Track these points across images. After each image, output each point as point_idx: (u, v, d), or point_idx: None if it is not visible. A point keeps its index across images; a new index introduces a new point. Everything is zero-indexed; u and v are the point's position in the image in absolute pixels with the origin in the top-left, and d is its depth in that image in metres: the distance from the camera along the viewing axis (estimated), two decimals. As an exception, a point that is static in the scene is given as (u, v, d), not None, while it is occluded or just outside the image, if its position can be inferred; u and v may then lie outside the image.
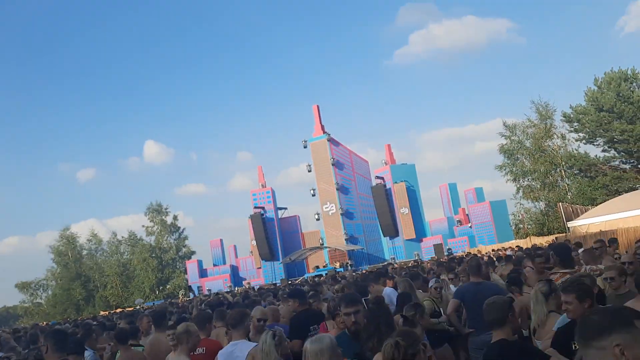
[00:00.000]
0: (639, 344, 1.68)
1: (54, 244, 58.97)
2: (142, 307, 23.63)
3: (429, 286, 7.85)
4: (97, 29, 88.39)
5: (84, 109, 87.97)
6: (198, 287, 41.87)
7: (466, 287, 7.00)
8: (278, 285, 26.42)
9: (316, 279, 19.64)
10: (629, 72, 38.22)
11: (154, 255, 55.84)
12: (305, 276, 34.09)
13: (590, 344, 1.75)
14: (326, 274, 28.43)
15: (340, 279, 14.20)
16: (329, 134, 40.43)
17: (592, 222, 22.70)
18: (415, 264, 19.13)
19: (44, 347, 4.47)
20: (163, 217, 57.00)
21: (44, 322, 32.35)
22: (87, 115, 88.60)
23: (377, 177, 41.02)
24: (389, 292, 8.30)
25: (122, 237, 60.30)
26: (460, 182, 62.30)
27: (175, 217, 58.14)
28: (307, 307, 6.07)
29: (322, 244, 39.74)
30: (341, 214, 39.16)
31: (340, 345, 3.74)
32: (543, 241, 22.28)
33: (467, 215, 41.21)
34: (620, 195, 31.31)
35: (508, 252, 16.32)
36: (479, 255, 18.67)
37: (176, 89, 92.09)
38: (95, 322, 11.23)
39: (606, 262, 6.97)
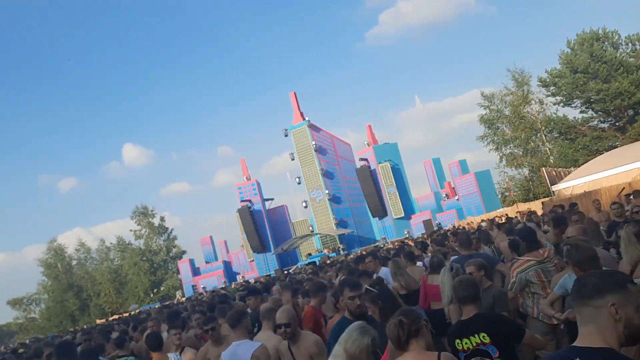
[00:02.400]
0: (630, 304, 1.88)
1: (42, 257, 58.42)
2: (139, 312, 23.46)
3: (426, 267, 7.77)
4: (64, 31, 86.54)
5: (58, 118, 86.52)
6: (193, 286, 41.70)
7: (457, 261, 7.03)
8: (272, 276, 26.43)
9: (309, 267, 19.65)
10: (600, 31, 38.49)
11: (144, 258, 55.48)
12: (299, 264, 34.15)
13: (587, 302, 1.93)
14: (319, 259, 28.50)
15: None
16: (309, 120, 40.21)
17: (575, 183, 22.92)
18: (401, 243, 19.16)
19: None
20: (150, 219, 56.60)
21: (41, 337, 31.99)
22: (62, 124, 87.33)
23: (361, 159, 41.03)
24: (385, 272, 8.36)
25: (111, 243, 59.91)
26: (443, 156, 62.57)
27: (162, 219, 57.83)
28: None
29: (313, 231, 39.75)
30: (328, 199, 39.14)
31: (340, 330, 3.69)
32: (530, 207, 22.48)
33: (454, 188, 41.49)
34: (601, 154, 31.69)
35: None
36: (470, 226, 18.78)
37: (149, 89, 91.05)
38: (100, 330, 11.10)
39: (572, 233, 6.96)
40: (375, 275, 8.15)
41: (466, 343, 3.67)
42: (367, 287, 4.60)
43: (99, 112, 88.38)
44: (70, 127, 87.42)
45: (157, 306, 29.26)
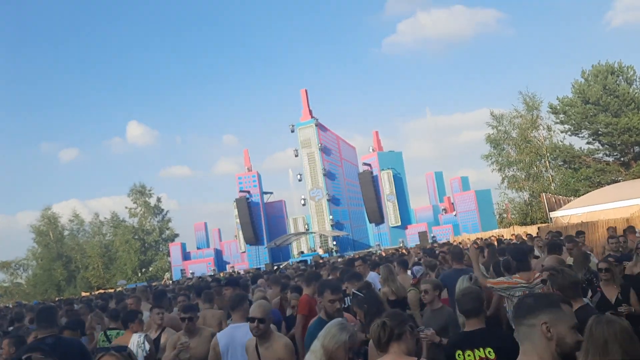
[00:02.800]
0: (563, 323, 2.00)
1: (35, 224, 58.43)
2: (125, 289, 23.52)
3: (414, 276, 7.75)
4: (78, 7, 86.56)
5: (66, 89, 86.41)
6: (181, 270, 41.73)
7: (449, 274, 7.05)
8: (262, 270, 26.43)
9: (301, 265, 19.64)
10: (616, 65, 38.51)
11: (136, 237, 55.53)
12: (290, 261, 34.15)
13: (522, 321, 2.06)
14: (311, 259, 28.50)
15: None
16: (317, 119, 40.25)
17: (574, 213, 22.98)
18: (396, 251, 19.20)
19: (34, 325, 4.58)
20: (147, 198, 56.68)
21: (25, 302, 32.04)
22: (70, 95, 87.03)
23: (364, 164, 41.06)
24: (374, 277, 8.43)
25: (105, 218, 59.93)
26: (446, 170, 62.54)
27: (159, 199, 57.92)
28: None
29: (308, 229, 39.77)
30: (327, 200, 39.17)
31: (315, 331, 3.73)
32: (527, 231, 22.48)
33: (452, 203, 41.51)
34: (602, 187, 31.69)
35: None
36: (463, 244, 18.80)
37: (160, 70, 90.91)
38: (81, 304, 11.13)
39: (548, 262, 7.06)
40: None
41: (469, 355, 3.59)
42: (355, 291, 4.60)
43: (107, 86, 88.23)
44: (77, 97, 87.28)
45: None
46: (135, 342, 5.10)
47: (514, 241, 15.37)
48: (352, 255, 26.09)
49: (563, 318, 2.00)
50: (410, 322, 3.25)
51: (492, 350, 3.49)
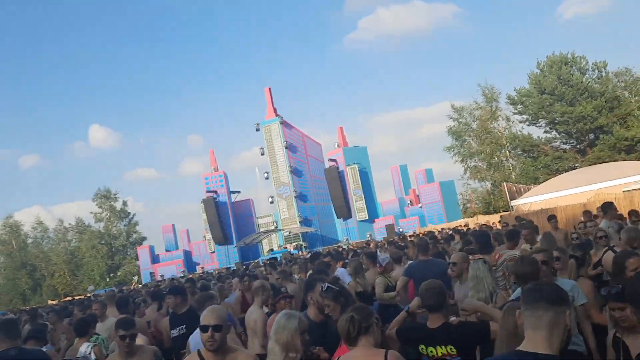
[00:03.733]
0: (570, 317, 2.01)
1: (-4, 233, 56.57)
2: (92, 295, 23.17)
3: (380, 265, 8.01)
4: (32, 9, 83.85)
5: (23, 94, 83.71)
6: (150, 273, 41.19)
7: (415, 265, 7.29)
8: (233, 269, 26.42)
9: (270, 261, 19.77)
10: (569, 56, 39.92)
11: (103, 242, 54.43)
12: (260, 259, 34.17)
13: (550, 307, 2.01)
14: (281, 256, 28.62)
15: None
16: (282, 117, 40.30)
17: (533, 200, 23.80)
18: (366, 245, 19.56)
19: None
20: (112, 202, 55.58)
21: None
22: (28, 100, 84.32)
23: (330, 160, 41.33)
24: (342, 272, 8.62)
25: (69, 224, 58.47)
26: (410, 163, 63.51)
27: (124, 203, 56.86)
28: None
29: (277, 227, 39.84)
30: (295, 197, 39.32)
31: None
32: (489, 220, 23.21)
33: (418, 195, 42.23)
34: (560, 174, 32.87)
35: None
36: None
37: (121, 72, 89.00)
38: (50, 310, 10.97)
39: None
40: (332, 275, 8.43)
41: (431, 351, 3.61)
42: (329, 285, 4.65)
43: (67, 89, 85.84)
44: (35, 102, 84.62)
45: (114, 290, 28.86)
46: (83, 351, 5.09)
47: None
48: (320, 250, 26.37)
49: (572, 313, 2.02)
50: (376, 314, 3.38)
51: (452, 347, 3.52)
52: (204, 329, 3.20)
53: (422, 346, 3.70)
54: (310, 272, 8.27)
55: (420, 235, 19.48)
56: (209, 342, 3.20)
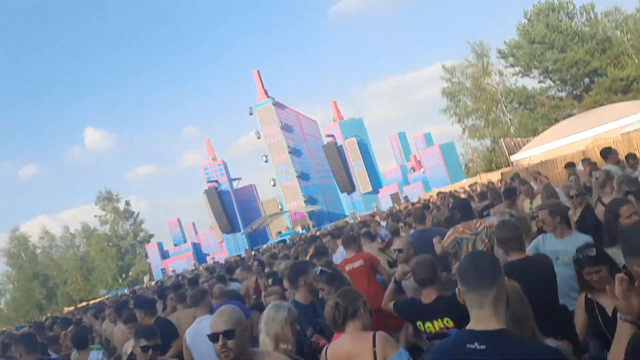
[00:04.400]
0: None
1: (5, 247, 56.95)
2: (106, 298, 23.32)
3: (382, 240, 7.91)
4: (17, 12, 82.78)
5: (12, 103, 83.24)
6: (162, 269, 41.41)
7: (413, 236, 7.21)
8: (242, 256, 26.46)
9: (277, 245, 19.80)
10: (556, 2, 39.20)
11: (111, 244, 54.72)
12: (269, 242, 34.26)
13: (490, 284, 2.01)
14: (289, 237, 28.65)
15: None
16: (274, 98, 39.91)
17: (533, 153, 23.50)
18: (371, 217, 19.44)
19: (17, 354, 4.54)
20: (115, 204, 55.67)
21: (5, 328, 31.46)
22: (19, 110, 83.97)
23: (328, 136, 41.08)
24: (342, 250, 8.54)
25: (76, 230, 58.74)
26: (409, 130, 63.24)
27: (127, 203, 56.95)
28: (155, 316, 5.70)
29: (282, 209, 39.83)
30: (297, 177, 39.19)
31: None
32: (490, 178, 23.00)
33: (419, 161, 42.02)
34: (559, 123, 32.57)
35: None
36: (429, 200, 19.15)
37: (109, 72, 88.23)
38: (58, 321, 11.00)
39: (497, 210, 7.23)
40: (332, 255, 8.34)
41: (429, 327, 3.62)
42: (322, 268, 4.58)
43: (57, 96, 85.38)
44: (26, 111, 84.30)
45: (125, 291, 29.05)
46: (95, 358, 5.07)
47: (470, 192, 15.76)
48: (328, 227, 26.35)
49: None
50: (363, 297, 3.31)
51: (449, 319, 3.52)
52: (214, 337, 2.61)
53: (419, 322, 3.68)
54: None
55: (422, 202, 19.41)
56: (222, 353, 2.60)
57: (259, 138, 40.62)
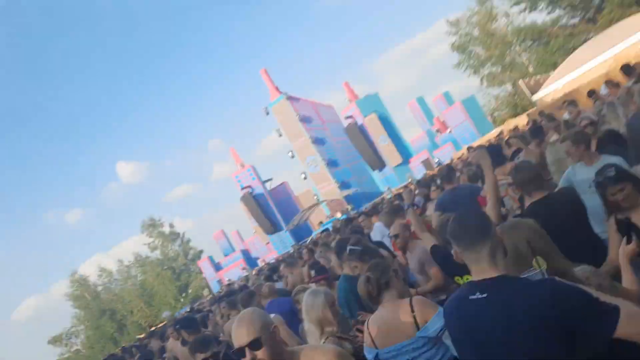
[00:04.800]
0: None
1: (69, 292, 59.22)
2: (169, 320, 24.00)
3: (417, 206, 7.89)
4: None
5: (43, 156, 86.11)
6: (218, 281, 42.31)
7: (443, 197, 7.20)
8: (291, 252, 26.78)
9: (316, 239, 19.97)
10: None
11: (165, 267, 56.22)
12: (313, 234, 34.52)
13: (478, 243, 2.07)
14: (331, 225, 28.79)
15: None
16: (287, 93, 39.96)
17: (554, 88, 22.81)
18: (405, 187, 19.38)
19: None
20: (160, 229, 57.04)
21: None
22: (49, 157, 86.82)
23: (347, 117, 40.91)
24: (378, 226, 8.62)
25: (129, 261, 60.53)
26: (426, 93, 62.32)
27: (171, 225, 58.25)
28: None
29: (318, 200, 40.01)
30: (325, 165, 39.25)
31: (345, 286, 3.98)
32: (517, 124, 22.45)
33: (443, 122, 41.41)
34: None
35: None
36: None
37: (122, 103, 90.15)
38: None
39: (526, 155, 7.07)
40: (370, 232, 8.43)
41: (467, 279, 3.51)
42: (351, 247, 4.68)
43: (84, 138, 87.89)
44: (61, 161, 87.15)
45: (187, 309, 29.85)
46: None
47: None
48: (367, 208, 26.33)
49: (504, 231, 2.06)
50: (394, 266, 3.41)
51: None
52: (239, 353, 2.26)
53: (457, 277, 3.68)
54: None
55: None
56: None
57: (280, 136, 40.74)
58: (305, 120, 39.76)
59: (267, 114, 40.44)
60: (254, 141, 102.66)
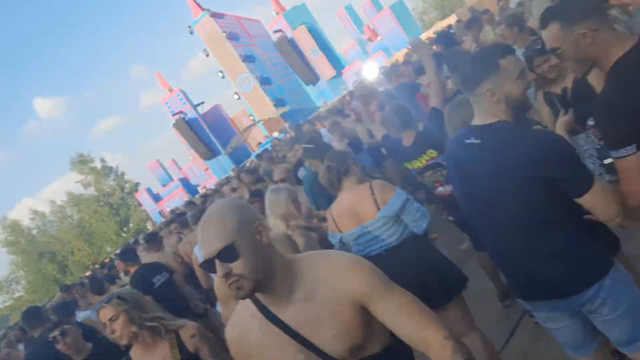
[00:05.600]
0: (505, 81, 1.97)
1: (2, 238, 56.87)
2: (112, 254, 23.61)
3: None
4: None
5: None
6: (159, 212, 41.67)
7: (386, 93, 7.11)
8: (232, 176, 26.44)
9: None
10: None
11: (101, 203, 54.78)
12: (252, 156, 34.16)
13: (472, 92, 2.05)
14: (270, 144, 28.46)
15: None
16: (209, 9, 37.73)
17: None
18: (342, 98, 19.22)
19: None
20: (91, 164, 54.92)
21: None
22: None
23: (275, 32, 39.52)
24: (323, 132, 8.59)
25: (62, 201, 58.36)
26: (355, 0, 60.61)
27: (102, 160, 56.14)
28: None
29: (254, 120, 39.30)
30: (258, 83, 38.20)
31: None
32: (449, 22, 22.33)
33: (373, 30, 40.90)
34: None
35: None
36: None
37: (35, 35, 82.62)
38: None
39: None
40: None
41: (416, 164, 3.80)
42: (304, 145, 4.83)
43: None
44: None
45: (132, 242, 29.35)
46: None
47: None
48: (304, 124, 26.04)
49: (505, 76, 1.97)
50: (352, 155, 3.52)
51: (432, 150, 3.71)
52: (208, 266, 1.51)
53: (406, 163, 3.90)
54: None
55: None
56: (231, 285, 1.50)
57: (207, 56, 38.86)
58: (232, 37, 37.96)
59: (191, 33, 38.24)
60: (181, 64, 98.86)
